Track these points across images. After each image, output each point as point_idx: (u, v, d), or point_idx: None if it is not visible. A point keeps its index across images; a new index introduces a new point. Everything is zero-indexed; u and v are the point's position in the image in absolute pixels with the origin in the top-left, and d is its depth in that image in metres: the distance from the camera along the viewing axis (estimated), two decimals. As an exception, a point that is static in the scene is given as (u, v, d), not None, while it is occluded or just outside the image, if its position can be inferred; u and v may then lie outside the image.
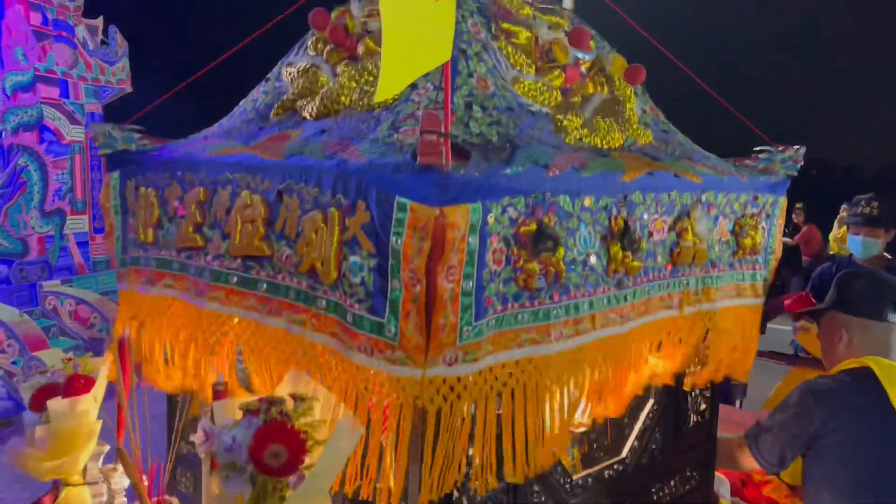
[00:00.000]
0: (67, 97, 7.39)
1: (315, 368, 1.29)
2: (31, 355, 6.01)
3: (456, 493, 1.39)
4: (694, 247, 1.69)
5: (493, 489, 1.47)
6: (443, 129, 1.12)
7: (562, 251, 1.37)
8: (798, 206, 11.03)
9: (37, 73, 6.93)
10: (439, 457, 1.23)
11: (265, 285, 1.40)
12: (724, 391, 3.11)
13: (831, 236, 5.30)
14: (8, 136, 6.78)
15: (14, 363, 5.94)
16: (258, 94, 1.87)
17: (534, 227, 1.32)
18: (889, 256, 3.74)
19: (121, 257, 1.83)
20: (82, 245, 7.57)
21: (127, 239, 1.82)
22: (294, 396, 1.23)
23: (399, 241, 1.18)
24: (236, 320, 1.44)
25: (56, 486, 1.74)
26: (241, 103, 1.92)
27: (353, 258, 1.25)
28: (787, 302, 3.85)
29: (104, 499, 1.78)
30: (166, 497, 1.58)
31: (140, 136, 1.89)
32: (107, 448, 1.78)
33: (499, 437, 1.36)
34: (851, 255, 3.87)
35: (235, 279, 1.46)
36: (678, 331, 1.75)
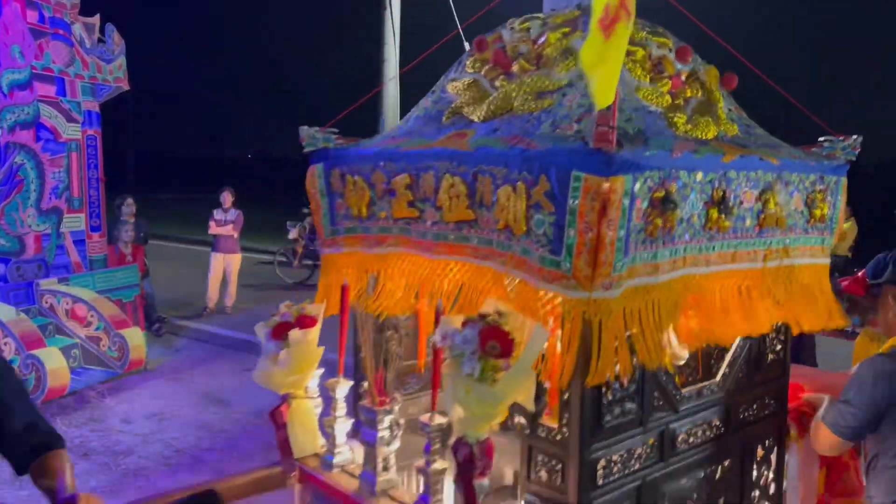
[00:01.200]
0: (64, 95, 7.42)
1: (514, 293, 1.84)
2: (28, 353, 6.16)
3: (604, 389, 1.93)
4: (776, 213, 2.19)
5: (626, 389, 2.00)
6: (612, 123, 1.65)
7: (678, 212, 1.89)
8: None
9: (33, 70, 6.95)
10: (600, 352, 1.76)
11: (475, 240, 1.96)
12: (796, 359, 3.52)
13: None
14: (4, 134, 6.75)
15: (11, 361, 5.85)
16: (427, 104, 2.44)
17: (662, 193, 1.84)
18: None
19: (330, 228, 2.41)
20: (79, 243, 7.60)
21: (336, 214, 2.40)
22: (498, 312, 1.78)
23: (575, 202, 1.71)
24: (460, 265, 2.00)
25: (286, 399, 2.33)
26: (412, 111, 2.49)
27: (537, 216, 1.80)
28: (844, 283, 4.28)
29: (320, 409, 2.36)
30: (387, 397, 2.14)
31: (336, 137, 2.47)
32: (322, 371, 2.37)
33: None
34: None
35: (452, 237, 2.02)
36: (763, 280, 2.25)
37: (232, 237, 10.24)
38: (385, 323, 2.41)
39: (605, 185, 1.68)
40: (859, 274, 4.26)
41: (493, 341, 1.71)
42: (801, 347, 5.95)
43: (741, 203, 2.12)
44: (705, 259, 2.04)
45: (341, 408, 2.27)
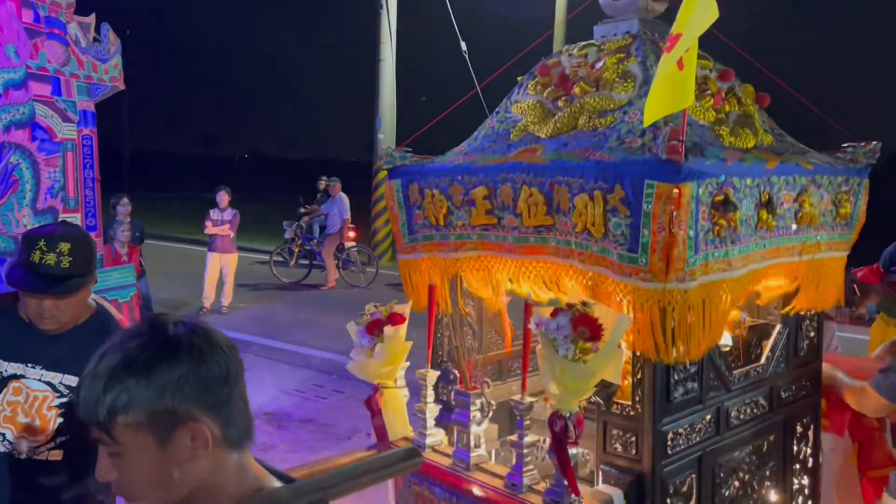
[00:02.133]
0: (60, 95, 7.14)
1: (594, 286, 2.13)
2: None
3: (671, 369, 2.21)
4: (811, 213, 2.48)
5: (688, 370, 2.27)
6: (681, 138, 1.94)
7: (738, 214, 2.18)
8: None
9: (29, 70, 6.75)
10: (669, 339, 2.04)
11: (554, 241, 2.24)
12: None
13: None
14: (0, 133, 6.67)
15: None
16: (493, 123, 2.72)
17: (722, 197, 2.13)
18: None
19: (409, 237, 2.69)
20: None
21: (413, 224, 2.68)
22: (583, 303, 2.06)
23: (650, 206, 2.00)
24: (543, 263, 2.29)
25: (377, 389, 2.59)
26: (479, 130, 2.77)
27: (614, 219, 2.08)
28: (859, 273, 4.57)
29: (407, 397, 2.63)
30: (476, 385, 2.42)
31: (412, 155, 2.76)
32: (408, 364, 2.64)
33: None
34: None
35: (532, 239, 2.30)
36: (800, 272, 2.53)
37: (228, 237, 10.33)
38: (461, 320, 2.69)
39: (675, 191, 1.97)
40: (874, 266, 4.58)
41: (583, 327, 1.98)
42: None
43: (782, 204, 2.41)
44: (760, 255, 2.33)
45: (431, 395, 2.54)
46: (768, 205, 2.33)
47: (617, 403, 2.25)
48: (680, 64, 1.84)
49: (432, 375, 2.55)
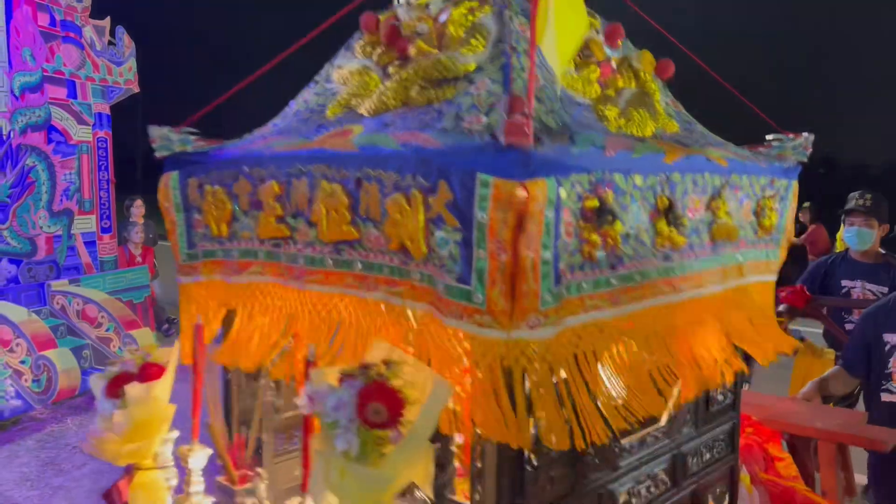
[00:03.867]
0: (75, 97, 7.49)
1: (411, 334, 1.41)
2: (39, 354, 6.12)
3: (526, 452, 1.51)
4: (727, 224, 1.84)
5: (553, 449, 1.59)
6: (527, 111, 1.25)
7: (619, 224, 1.50)
8: (805, 205, 10.79)
9: (44, 73, 6.99)
10: (521, 412, 1.34)
11: (360, 264, 1.52)
12: None
13: (839, 235, 5.44)
14: (16, 136, 6.84)
15: (22, 362, 6.00)
16: (309, 95, 1.99)
17: (596, 202, 1.45)
18: (883, 251, 3.93)
19: (187, 252, 1.92)
20: (90, 245, 7.65)
21: (193, 234, 1.91)
22: (386, 362, 1.34)
23: (484, 215, 1.30)
24: (341, 298, 1.55)
25: (130, 471, 1.82)
26: (291, 104, 2.03)
27: (438, 233, 1.37)
28: (782, 294, 4.04)
29: (174, 482, 1.86)
30: (248, 471, 1.67)
31: (195, 138, 1.99)
32: (177, 433, 1.87)
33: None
34: (847, 249, 4.04)
35: (331, 262, 1.57)
36: (723, 306, 1.89)
37: None
38: (258, 370, 1.93)
39: (521, 192, 1.27)
40: (797, 287, 4.06)
41: (377, 403, 1.26)
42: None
43: (689, 212, 1.76)
44: (670, 285, 1.66)
45: (197, 483, 1.77)
46: (669, 213, 1.67)
47: (454, 501, 1.55)
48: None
49: (199, 454, 1.78)
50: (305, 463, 1.45)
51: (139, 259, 8.56)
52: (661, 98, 2.03)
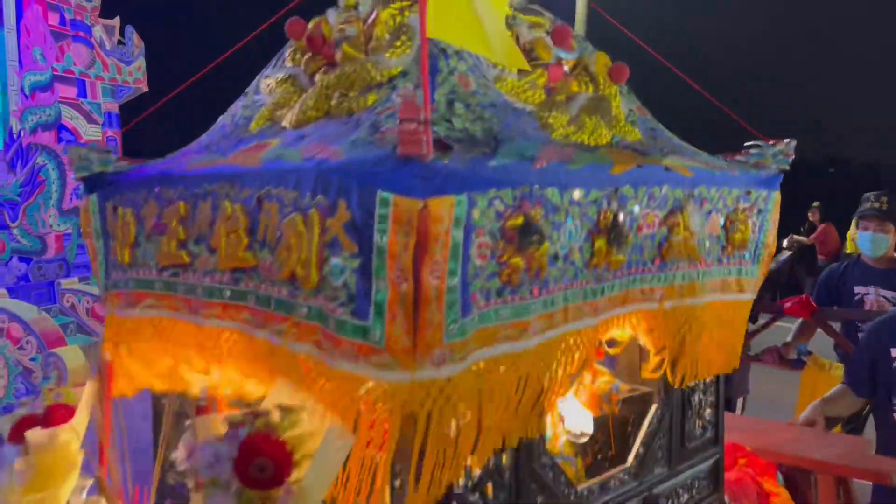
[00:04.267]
0: (85, 97, 7.42)
1: (299, 379, 1.23)
2: (50, 352, 5.99)
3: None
4: (685, 242, 1.65)
5: (494, 499, 1.40)
6: (422, 117, 1.08)
7: (546, 245, 1.32)
8: (815, 204, 10.70)
9: (54, 72, 6.97)
10: (429, 463, 1.16)
11: (254, 298, 1.35)
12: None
13: (849, 235, 5.20)
14: (26, 135, 6.81)
15: (33, 360, 5.89)
16: (237, 109, 1.84)
17: (521, 220, 1.27)
18: None
19: (104, 283, 1.77)
20: None
21: (109, 262, 1.76)
22: (281, 408, 1.17)
23: (384, 239, 1.13)
24: (231, 335, 1.38)
25: (37, 523, 1.65)
26: (219, 119, 1.88)
27: (334, 260, 1.20)
28: (786, 305, 3.80)
29: (89, 534, 1.69)
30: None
31: (118, 158, 1.85)
32: (90, 482, 1.70)
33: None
34: (860, 254, 3.80)
35: (228, 293, 1.40)
36: (655, 323, 1.69)
37: None
38: (182, 411, 1.77)
39: (421, 211, 1.10)
40: (803, 297, 3.82)
41: (263, 458, 1.09)
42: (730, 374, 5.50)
43: (639, 229, 1.57)
44: (593, 308, 1.48)
45: (103, 540, 1.61)
46: (612, 231, 1.48)
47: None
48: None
49: (104, 505, 1.61)
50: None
51: (149, 259, 8.67)
52: (624, 104, 1.85)
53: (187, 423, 1.19)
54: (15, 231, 6.75)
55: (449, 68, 1.49)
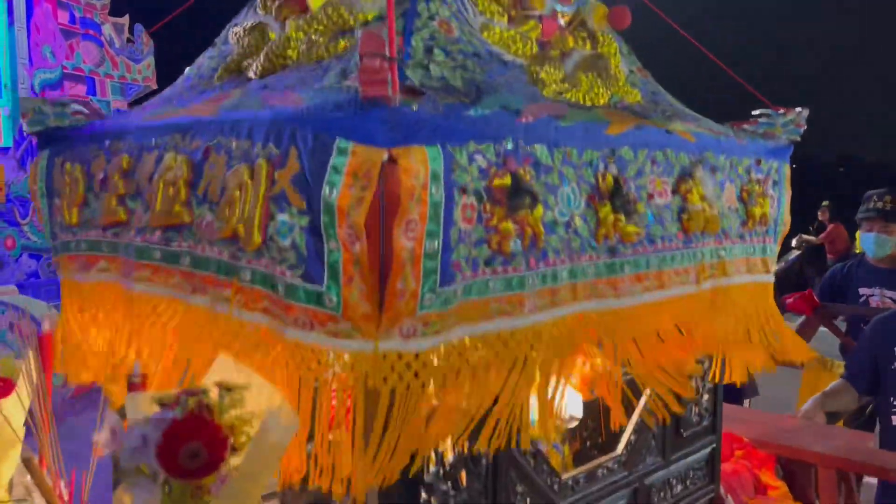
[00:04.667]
0: (94, 95, 7.21)
1: (246, 351, 1.09)
2: None
3: (424, 494, 1.20)
4: (704, 211, 1.50)
5: (468, 487, 1.27)
6: (387, 52, 0.93)
7: (540, 209, 1.18)
8: (824, 203, 10.54)
9: (64, 70, 6.85)
10: (391, 444, 1.02)
11: (188, 258, 1.21)
12: (733, 391, 2.89)
13: (858, 234, 5.05)
14: None
15: None
16: (203, 60, 1.69)
17: (508, 179, 1.13)
18: None
19: (52, 244, 1.63)
20: None
21: (54, 223, 1.62)
22: (221, 386, 1.03)
23: (333, 192, 0.98)
24: (163, 302, 1.24)
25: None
26: (185, 71, 1.73)
27: (280, 217, 1.06)
28: (788, 301, 3.65)
29: (32, 514, 1.57)
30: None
31: (74, 112, 1.70)
32: (36, 458, 1.57)
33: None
34: (864, 254, 3.65)
35: (158, 254, 1.26)
36: (696, 310, 1.55)
37: None
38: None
39: (389, 163, 0.96)
40: (805, 293, 3.67)
41: (195, 443, 0.95)
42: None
43: (650, 197, 1.42)
44: (611, 285, 1.33)
45: (45, 521, 1.48)
46: (615, 196, 1.34)
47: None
48: None
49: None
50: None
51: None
52: (623, 64, 1.70)
53: (127, 397, 1.05)
54: (25, 228, 6.53)
55: (429, 12, 1.34)
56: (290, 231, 1.03)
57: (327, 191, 0.97)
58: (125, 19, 7.70)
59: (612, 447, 1.68)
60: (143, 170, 1.31)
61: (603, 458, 1.61)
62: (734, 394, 3.12)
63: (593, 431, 1.90)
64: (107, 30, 7.43)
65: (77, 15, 7.10)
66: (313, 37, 1.40)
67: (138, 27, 7.83)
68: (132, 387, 1.16)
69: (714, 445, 1.93)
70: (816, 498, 2.33)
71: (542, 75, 1.44)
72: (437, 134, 1.02)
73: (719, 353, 1.78)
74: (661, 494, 1.76)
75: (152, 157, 1.31)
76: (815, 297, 3.54)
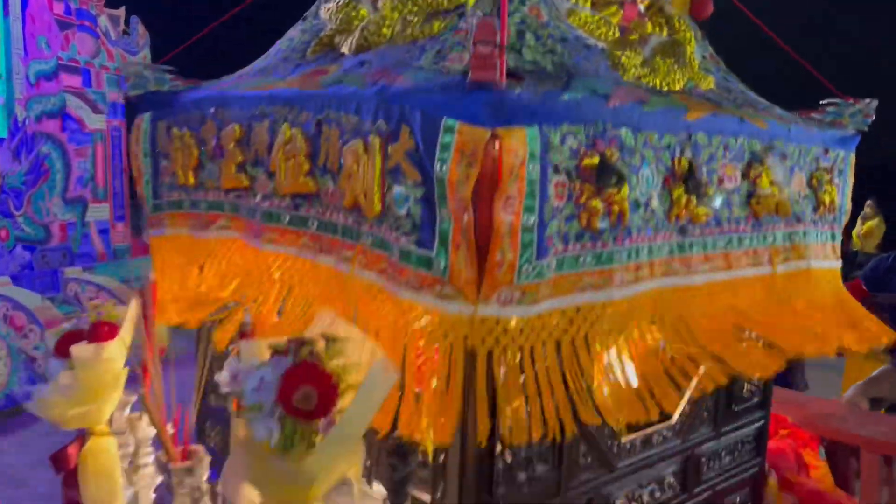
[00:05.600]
0: (90, 86, 7.36)
1: (361, 307, 1.20)
2: None
3: (500, 447, 1.31)
4: (774, 196, 1.57)
5: (539, 443, 1.38)
6: (498, 40, 1.01)
7: (626, 189, 1.26)
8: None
9: (59, 61, 6.91)
10: (482, 399, 1.13)
11: (315, 223, 1.32)
12: (781, 377, 2.93)
13: (854, 233, 5.03)
14: (31, 123, 6.78)
15: (36, 348, 5.86)
16: (295, 33, 1.78)
17: (596, 159, 1.21)
18: None
19: (153, 202, 1.76)
20: (103, 233, 7.53)
21: (160, 183, 1.74)
22: (326, 337, 1.14)
23: (444, 168, 1.08)
24: (290, 259, 1.36)
25: (81, 436, 1.68)
26: (276, 43, 1.83)
27: (397, 188, 1.16)
28: None
29: (130, 449, 1.72)
30: (191, 446, 1.51)
31: (173, 77, 1.82)
32: (134, 397, 1.72)
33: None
34: None
35: (287, 218, 1.38)
36: (775, 291, 1.62)
37: None
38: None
39: (492, 141, 1.05)
40: (854, 281, 3.69)
41: (307, 387, 1.07)
42: (789, 367, 5.38)
43: (720, 181, 1.49)
44: (683, 263, 1.42)
45: (146, 454, 1.63)
46: (689, 179, 1.41)
47: (413, 497, 1.35)
48: None
49: (146, 422, 1.63)
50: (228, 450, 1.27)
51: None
52: (698, 50, 1.75)
53: (231, 346, 1.17)
54: (19, 219, 6.68)
55: (521, -3, 1.41)
56: (405, 201, 1.13)
57: (438, 166, 1.07)
58: (121, 11, 7.68)
59: (667, 417, 1.77)
60: (257, 140, 1.42)
61: (659, 426, 1.70)
62: (782, 380, 3.17)
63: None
64: (102, 21, 7.40)
65: (73, 6, 7.08)
66: (408, 17, 1.48)
67: (134, 19, 7.83)
68: (243, 335, 1.28)
69: (763, 422, 2.01)
70: (857, 480, 2.39)
71: (623, 60, 1.50)
72: (535, 116, 1.11)
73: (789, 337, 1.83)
74: (710, 464, 1.85)
75: (264, 128, 1.42)
76: (864, 287, 3.55)
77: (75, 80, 7.14)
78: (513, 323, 1.14)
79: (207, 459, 1.47)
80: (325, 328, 1.17)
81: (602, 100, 1.24)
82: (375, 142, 1.19)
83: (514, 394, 1.18)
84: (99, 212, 7.47)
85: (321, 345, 1.11)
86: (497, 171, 1.07)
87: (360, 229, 1.23)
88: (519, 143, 1.07)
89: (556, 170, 1.15)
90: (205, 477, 1.46)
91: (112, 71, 7.52)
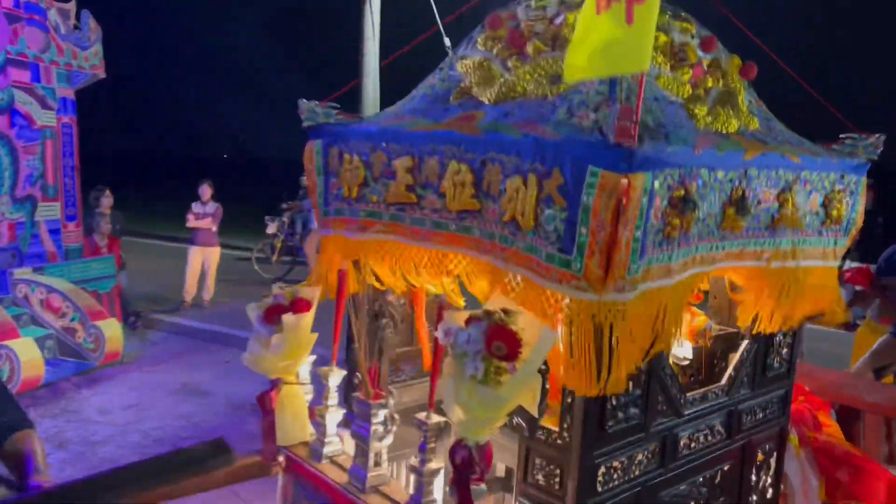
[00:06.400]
0: (39, 81, 7.13)
1: (517, 291, 1.75)
2: (1, 344, 5.93)
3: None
4: (791, 215, 2.09)
5: (632, 392, 1.91)
6: (635, 118, 1.54)
7: (697, 212, 1.79)
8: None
9: (8, 56, 6.69)
10: (606, 360, 1.67)
11: (478, 231, 1.86)
12: None
13: None
14: None
15: None
16: (434, 81, 2.31)
17: (682, 192, 1.74)
18: None
19: (324, 209, 2.30)
20: (54, 233, 7.30)
21: (329, 194, 2.29)
22: (504, 310, 1.69)
23: (590, 199, 1.61)
24: (456, 256, 1.91)
25: (276, 384, 2.24)
26: (418, 87, 2.36)
27: (548, 211, 1.69)
28: (848, 274, 4.20)
29: (310, 396, 2.28)
30: (382, 390, 2.06)
31: (337, 113, 2.35)
32: (314, 357, 2.27)
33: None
34: None
35: (453, 227, 1.92)
36: (767, 282, 2.16)
37: (210, 230, 9.87)
38: (380, 310, 2.32)
39: (624, 183, 1.58)
40: (863, 267, 4.21)
41: (499, 342, 1.62)
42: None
43: (759, 203, 2.02)
44: (712, 258, 1.95)
45: (333, 397, 2.19)
46: (740, 203, 1.94)
47: (543, 428, 1.90)
48: (629, 16, 1.43)
49: (336, 374, 2.19)
50: (434, 380, 1.84)
51: (105, 250, 8.18)
52: (745, 96, 2.27)
53: (446, 312, 1.72)
54: None
55: (624, 68, 1.94)
56: (553, 220, 1.66)
57: (586, 198, 1.60)
58: (71, 5, 7.40)
59: (711, 381, 2.32)
60: (429, 169, 1.96)
61: (713, 386, 2.24)
62: None
63: (696, 371, 2.55)
64: (52, 15, 7.13)
65: (21, -1, 6.59)
66: (538, 79, 2.01)
67: (85, 13, 7.51)
68: (439, 307, 1.83)
69: (788, 388, 2.54)
70: (863, 438, 2.93)
71: (696, 111, 2.03)
72: (650, 165, 1.63)
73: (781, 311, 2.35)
74: (748, 418, 2.39)
75: (434, 160, 1.95)
76: (872, 272, 4.07)
77: (24, 75, 6.90)
78: (624, 304, 1.68)
79: (395, 397, 2.03)
80: (498, 305, 1.72)
81: (690, 149, 1.77)
82: (533, 178, 1.72)
83: (625, 357, 1.72)
84: (49, 211, 7.24)
85: (503, 315, 1.66)
86: (624, 203, 1.60)
87: (515, 238, 1.77)
88: (640, 185, 1.60)
89: (657, 200, 1.69)
90: (393, 409, 2.02)
91: (62, 66, 7.26)
